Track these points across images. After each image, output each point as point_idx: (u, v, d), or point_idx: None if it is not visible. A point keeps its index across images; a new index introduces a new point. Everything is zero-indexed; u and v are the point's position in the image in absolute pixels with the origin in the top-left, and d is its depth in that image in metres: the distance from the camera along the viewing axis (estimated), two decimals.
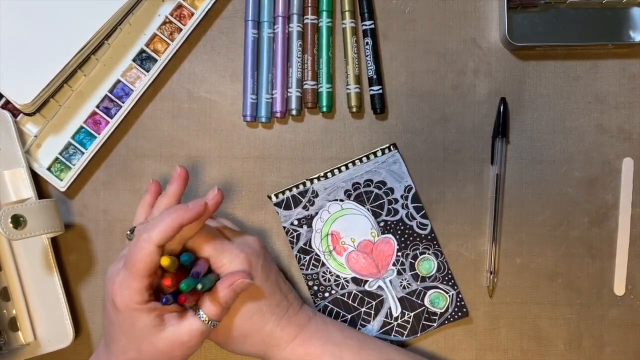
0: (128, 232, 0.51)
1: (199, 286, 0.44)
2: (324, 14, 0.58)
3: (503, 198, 0.59)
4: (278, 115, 0.58)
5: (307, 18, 0.58)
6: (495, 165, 0.58)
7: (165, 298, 0.44)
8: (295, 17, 0.58)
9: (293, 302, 0.51)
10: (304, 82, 0.58)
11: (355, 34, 0.59)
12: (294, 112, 0.58)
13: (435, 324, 0.57)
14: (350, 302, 0.57)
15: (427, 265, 0.58)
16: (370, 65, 0.58)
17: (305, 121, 0.59)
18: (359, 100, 0.58)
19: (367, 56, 0.59)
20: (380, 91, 0.58)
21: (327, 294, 0.57)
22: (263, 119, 0.58)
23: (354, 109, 0.58)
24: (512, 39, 0.57)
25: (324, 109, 0.58)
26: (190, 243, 0.48)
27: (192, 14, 0.58)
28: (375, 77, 0.58)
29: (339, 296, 0.57)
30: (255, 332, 0.49)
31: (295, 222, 0.58)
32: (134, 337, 0.45)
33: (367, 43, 0.58)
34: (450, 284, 0.57)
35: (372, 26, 0.58)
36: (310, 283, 0.58)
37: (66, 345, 0.56)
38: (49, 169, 0.57)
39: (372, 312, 0.57)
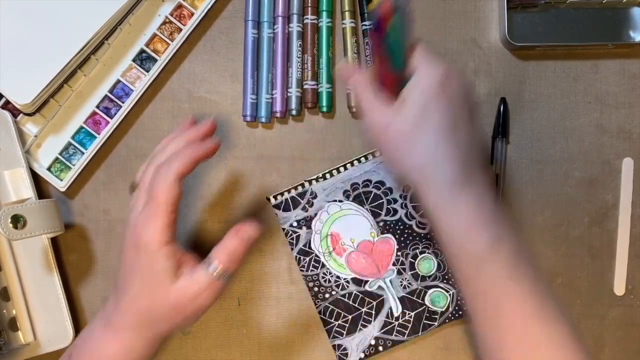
0: (133, 182, 0.49)
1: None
2: (324, 14, 0.58)
3: (503, 198, 0.59)
4: (278, 115, 0.58)
5: (307, 18, 0.58)
6: (495, 165, 0.58)
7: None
8: (295, 17, 0.58)
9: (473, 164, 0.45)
10: (304, 82, 0.58)
11: (355, 34, 0.59)
12: (293, 112, 0.58)
13: (436, 323, 0.57)
14: (350, 302, 0.57)
15: (427, 264, 0.58)
16: (369, 65, 0.58)
17: (305, 121, 0.59)
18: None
19: (367, 56, 0.59)
20: None
21: (327, 295, 0.57)
22: (263, 119, 0.58)
23: (354, 109, 0.58)
24: (512, 39, 0.57)
25: (324, 109, 0.58)
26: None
27: (192, 14, 0.58)
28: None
29: (339, 297, 0.57)
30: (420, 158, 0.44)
31: (295, 224, 0.58)
32: (149, 282, 0.44)
33: (367, 43, 0.58)
34: (450, 282, 0.57)
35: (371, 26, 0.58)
36: (311, 284, 0.58)
37: (66, 345, 0.56)
38: (49, 169, 0.57)
39: (373, 312, 0.57)
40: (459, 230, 0.44)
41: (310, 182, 0.58)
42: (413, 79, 0.45)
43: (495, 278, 0.43)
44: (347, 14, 0.58)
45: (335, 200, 0.58)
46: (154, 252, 0.44)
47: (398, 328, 0.57)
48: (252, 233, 0.46)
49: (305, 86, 0.58)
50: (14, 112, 0.57)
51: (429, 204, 0.45)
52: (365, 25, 0.58)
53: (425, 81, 0.45)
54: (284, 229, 0.58)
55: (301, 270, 0.58)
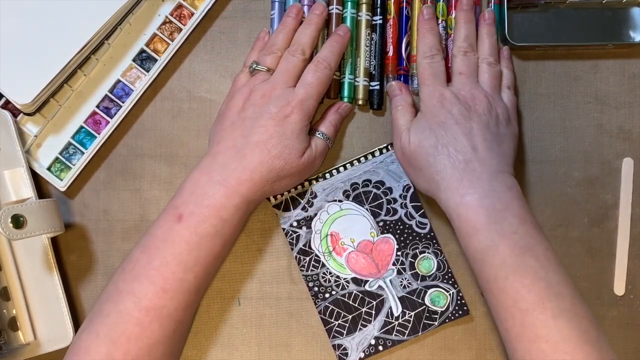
0: (254, 65, 0.55)
1: None
2: (349, 4, 0.58)
3: None
4: None
5: (333, 8, 0.58)
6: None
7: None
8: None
9: (484, 162, 0.51)
10: None
11: (370, 26, 0.58)
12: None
13: (436, 323, 0.57)
14: (350, 302, 0.57)
15: (427, 264, 0.58)
16: (373, 61, 0.58)
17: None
18: (366, 93, 0.58)
19: (372, 51, 0.58)
20: (379, 87, 0.58)
21: (327, 295, 0.57)
22: None
23: (360, 102, 0.58)
24: (512, 39, 0.57)
25: (346, 100, 0.58)
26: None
27: (192, 14, 0.58)
28: (375, 73, 0.58)
29: (339, 297, 0.57)
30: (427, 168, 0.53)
31: (295, 224, 0.58)
32: (291, 146, 0.52)
33: (372, 38, 0.58)
34: (450, 282, 0.57)
35: (381, 21, 0.58)
36: (311, 284, 0.58)
37: (66, 345, 0.56)
38: (49, 168, 0.57)
39: (373, 312, 0.57)
40: (473, 225, 0.50)
41: (310, 181, 0.58)
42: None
43: (496, 278, 0.48)
44: (364, 6, 0.58)
45: (335, 200, 0.58)
46: (303, 128, 0.53)
47: (398, 328, 0.57)
48: (347, 109, 0.58)
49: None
50: (14, 111, 0.57)
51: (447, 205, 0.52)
52: (375, 20, 0.58)
53: (422, 107, 0.55)
54: (284, 229, 0.58)
55: (301, 270, 0.58)
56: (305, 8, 0.58)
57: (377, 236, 0.58)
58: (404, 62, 0.58)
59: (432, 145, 0.52)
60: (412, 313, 0.57)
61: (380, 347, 0.57)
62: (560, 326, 0.47)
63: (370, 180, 0.58)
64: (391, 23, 0.58)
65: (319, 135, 0.55)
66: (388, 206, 0.58)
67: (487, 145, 0.51)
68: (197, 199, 0.51)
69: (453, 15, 0.58)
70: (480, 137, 0.51)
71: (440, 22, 0.58)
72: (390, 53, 0.58)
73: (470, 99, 0.53)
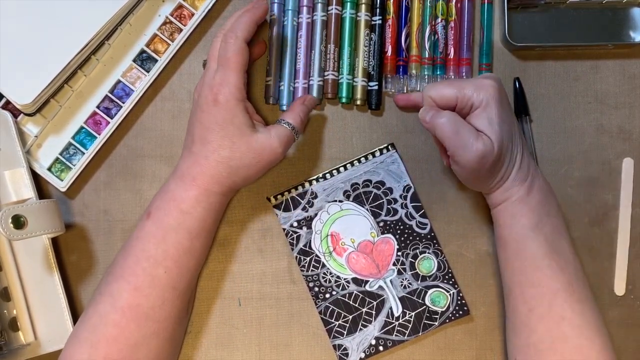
0: (205, 60, 0.54)
1: None
2: (348, 4, 0.58)
3: None
4: None
5: (332, 8, 0.58)
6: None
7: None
8: (319, 6, 0.58)
9: (516, 161, 0.52)
10: (326, 72, 0.58)
11: (369, 27, 0.58)
12: None
13: (436, 323, 0.57)
14: (351, 302, 0.57)
15: (427, 264, 0.58)
16: (372, 61, 0.58)
17: (309, 116, 0.59)
18: (364, 93, 0.58)
19: (370, 51, 0.58)
20: (377, 87, 0.58)
21: (327, 295, 0.57)
22: (284, 107, 0.58)
23: (359, 102, 0.58)
24: (512, 39, 0.57)
25: (344, 100, 0.58)
26: (432, 91, 0.51)
27: (193, 14, 0.58)
28: (373, 73, 0.58)
29: (339, 297, 0.57)
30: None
31: (295, 224, 0.58)
32: (230, 134, 0.50)
33: (371, 38, 0.58)
34: (450, 282, 0.57)
35: (380, 21, 0.58)
36: (311, 284, 0.58)
37: None
38: (49, 169, 0.57)
39: (373, 312, 0.57)
40: (510, 213, 0.52)
41: (310, 182, 0.58)
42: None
43: (534, 256, 0.51)
44: (363, 7, 0.58)
45: (336, 201, 0.58)
46: (233, 107, 0.50)
47: (398, 328, 0.57)
48: (313, 101, 0.57)
49: (327, 76, 0.58)
50: (15, 112, 0.57)
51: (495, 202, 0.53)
52: (374, 20, 0.58)
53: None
54: (284, 229, 0.58)
55: (301, 270, 0.58)
56: (305, 9, 0.58)
57: (378, 236, 0.58)
58: (404, 53, 0.58)
59: (509, 135, 0.51)
60: (413, 313, 0.57)
61: (381, 347, 0.57)
62: (585, 311, 0.49)
63: (370, 181, 0.58)
64: (390, 23, 0.58)
65: (282, 124, 0.53)
66: (388, 206, 0.58)
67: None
68: (161, 195, 0.52)
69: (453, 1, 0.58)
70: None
71: (440, 20, 0.58)
72: (389, 53, 0.58)
73: None
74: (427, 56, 0.58)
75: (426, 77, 0.59)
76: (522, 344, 0.51)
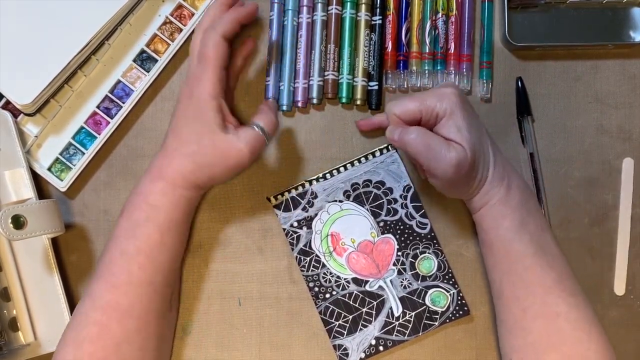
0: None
1: None
2: (348, 4, 0.58)
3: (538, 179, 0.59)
4: (300, 104, 0.58)
5: (332, 8, 0.58)
6: (527, 144, 0.58)
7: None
8: (320, 6, 0.58)
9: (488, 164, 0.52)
10: (326, 72, 0.58)
11: (369, 26, 0.58)
12: (315, 101, 0.58)
13: (436, 323, 0.57)
14: (351, 302, 0.57)
15: (428, 264, 0.58)
16: (372, 61, 0.58)
17: (308, 116, 0.59)
18: (364, 93, 0.58)
19: (370, 51, 0.58)
20: (377, 87, 0.58)
21: (328, 295, 0.57)
22: (284, 107, 0.58)
23: (359, 102, 0.58)
24: (512, 39, 0.57)
25: (344, 100, 0.58)
26: (396, 108, 0.51)
27: (193, 14, 0.58)
28: (374, 73, 0.58)
29: (339, 297, 0.57)
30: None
31: (295, 224, 0.58)
32: (198, 129, 0.50)
33: (371, 38, 0.58)
34: (450, 282, 0.57)
35: (380, 21, 0.58)
36: (311, 284, 0.58)
37: None
38: (49, 169, 0.57)
39: (374, 312, 0.57)
40: (493, 216, 0.52)
41: (310, 182, 0.58)
42: None
43: (522, 256, 0.51)
44: (363, 7, 0.58)
45: (336, 201, 0.58)
46: (205, 103, 0.49)
47: (398, 328, 0.57)
48: (275, 105, 0.56)
49: (327, 76, 0.58)
50: (15, 112, 0.57)
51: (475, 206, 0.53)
52: (374, 20, 0.58)
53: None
54: (284, 229, 0.58)
55: (302, 270, 0.58)
56: (305, 9, 0.58)
57: (378, 236, 0.58)
58: (404, 48, 0.58)
59: (478, 140, 0.51)
60: (413, 313, 0.57)
61: (381, 347, 0.57)
62: (578, 304, 0.50)
63: (370, 181, 0.58)
64: (390, 19, 0.58)
65: (253, 126, 0.51)
66: (388, 206, 0.58)
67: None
68: (133, 190, 0.53)
69: None
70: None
71: (440, 15, 0.58)
72: (390, 48, 0.58)
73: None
74: (427, 51, 0.58)
75: (427, 72, 0.59)
76: (519, 345, 0.51)
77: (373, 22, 0.58)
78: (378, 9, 0.58)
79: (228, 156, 0.50)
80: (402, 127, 0.51)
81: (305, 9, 0.58)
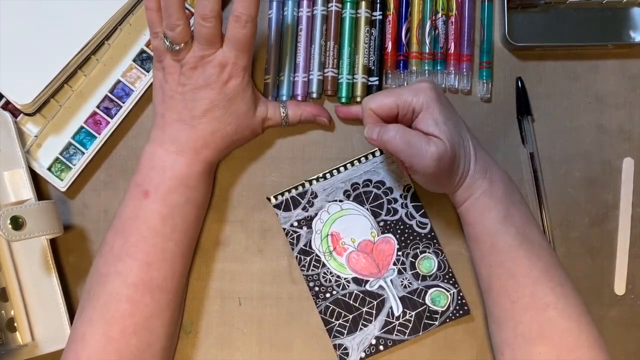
0: (167, 43, 0.51)
1: None
2: (348, 4, 0.58)
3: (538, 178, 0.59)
4: (299, 98, 0.58)
5: (332, 5, 0.58)
6: (527, 144, 0.58)
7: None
8: (320, 1, 0.58)
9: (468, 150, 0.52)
10: (326, 69, 0.58)
11: (369, 23, 0.58)
12: (314, 96, 0.58)
13: (436, 323, 0.57)
14: (351, 302, 0.57)
15: (428, 264, 0.57)
16: (372, 57, 0.58)
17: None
18: (365, 90, 0.58)
19: (371, 47, 0.58)
20: (377, 82, 0.58)
21: (328, 295, 0.57)
22: (284, 98, 0.58)
23: (359, 99, 0.58)
24: (512, 39, 0.57)
25: (344, 100, 0.58)
26: (372, 102, 0.51)
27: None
28: (374, 68, 0.58)
29: (340, 297, 0.57)
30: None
31: (295, 224, 0.58)
32: (236, 112, 0.53)
33: (371, 34, 0.58)
34: (451, 282, 0.57)
35: (380, 17, 0.58)
36: (311, 284, 0.57)
37: (64, 346, 0.55)
38: (49, 169, 0.57)
39: (374, 312, 0.57)
40: (478, 211, 0.52)
41: (310, 182, 0.58)
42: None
43: (509, 248, 0.51)
44: (362, 4, 0.58)
45: (336, 200, 0.58)
46: (244, 90, 0.53)
47: (399, 328, 0.57)
48: (323, 122, 0.58)
49: (327, 73, 0.58)
50: (14, 112, 0.57)
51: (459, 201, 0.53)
52: (374, 15, 0.58)
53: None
54: (284, 229, 0.58)
55: (302, 270, 0.58)
56: (305, 2, 0.58)
57: (378, 236, 0.58)
58: (404, 49, 0.58)
59: (457, 136, 0.51)
60: (413, 313, 0.57)
61: (381, 347, 0.57)
62: (567, 294, 0.50)
63: (370, 180, 0.58)
64: (390, 18, 0.58)
65: (280, 105, 0.56)
66: (388, 206, 0.58)
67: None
68: (158, 173, 0.52)
69: None
70: None
71: (440, 15, 0.58)
72: (389, 49, 0.58)
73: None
74: (427, 51, 0.58)
75: (427, 72, 0.59)
76: (509, 336, 0.51)
77: (373, 18, 0.58)
78: (378, 5, 0.58)
79: (255, 120, 0.55)
80: (381, 125, 0.51)
81: (305, 2, 0.58)
